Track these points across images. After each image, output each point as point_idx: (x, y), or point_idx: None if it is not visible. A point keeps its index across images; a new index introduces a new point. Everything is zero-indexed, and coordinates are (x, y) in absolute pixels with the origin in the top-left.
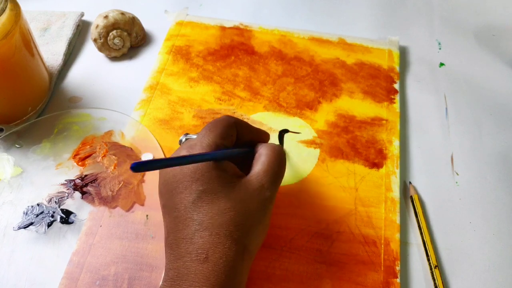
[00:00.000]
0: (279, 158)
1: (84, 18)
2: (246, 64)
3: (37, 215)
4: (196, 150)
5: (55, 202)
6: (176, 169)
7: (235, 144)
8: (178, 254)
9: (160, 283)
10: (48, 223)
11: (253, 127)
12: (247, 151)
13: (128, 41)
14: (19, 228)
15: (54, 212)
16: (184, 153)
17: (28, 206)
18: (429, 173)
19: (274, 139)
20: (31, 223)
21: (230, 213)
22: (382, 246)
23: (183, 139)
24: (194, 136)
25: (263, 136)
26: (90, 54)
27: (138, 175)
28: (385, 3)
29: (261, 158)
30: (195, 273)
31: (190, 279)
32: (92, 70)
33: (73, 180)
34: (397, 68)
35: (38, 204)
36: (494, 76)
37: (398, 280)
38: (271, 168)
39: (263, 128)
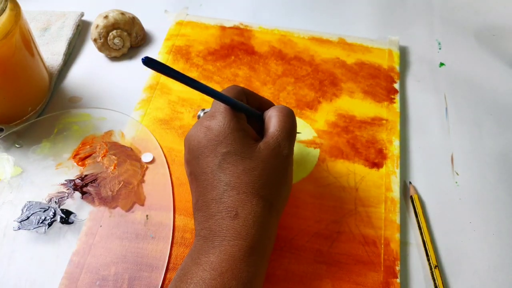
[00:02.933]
0: (289, 117)
1: (84, 18)
2: (246, 64)
3: (35, 212)
4: (218, 115)
5: (55, 202)
6: (200, 135)
7: None
8: (209, 214)
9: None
10: (48, 223)
11: (258, 95)
12: (259, 114)
13: (128, 41)
14: (16, 222)
15: (54, 211)
16: (206, 123)
17: (26, 202)
18: (429, 173)
19: None
20: (28, 218)
21: (254, 172)
22: (382, 246)
23: (201, 114)
24: None
25: (269, 104)
26: (90, 54)
27: (138, 175)
28: (385, 3)
29: (272, 120)
30: (227, 229)
31: (222, 234)
32: (92, 70)
33: (73, 180)
34: (397, 68)
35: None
36: (494, 76)
37: (398, 280)
38: (284, 127)
39: None
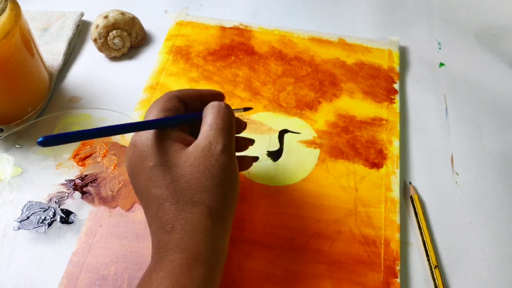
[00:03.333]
0: (222, 112)
1: (84, 18)
2: (246, 64)
3: (35, 212)
4: (141, 145)
5: (55, 202)
6: (130, 153)
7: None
8: (152, 232)
9: None
10: (48, 223)
11: (198, 91)
12: (193, 116)
13: (128, 41)
14: (16, 222)
15: (54, 211)
16: (133, 139)
17: (26, 202)
18: (429, 173)
19: (274, 139)
20: (28, 217)
21: (183, 178)
22: (382, 246)
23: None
24: None
25: (216, 98)
26: (90, 54)
27: None
28: (385, 3)
29: (205, 119)
30: (166, 244)
31: (162, 250)
32: (92, 70)
33: (73, 180)
34: (397, 68)
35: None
36: (494, 76)
37: (398, 280)
38: (216, 123)
39: (263, 128)
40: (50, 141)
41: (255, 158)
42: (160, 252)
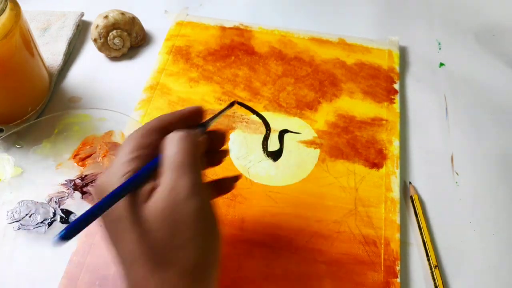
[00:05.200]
0: (180, 146)
1: (84, 18)
2: (246, 64)
3: (35, 212)
4: (108, 189)
5: (55, 202)
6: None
7: None
8: None
9: None
10: (48, 223)
11: (183, 112)
12: (156, 161)
13: (128, 41)
14: (16, 222)
15: (54, 211)
16: (95, 199)
17: (26, 202)
18: (429, 173)
19: (274, 139)
20: (17, 220)
21: (148, 236)
22: (382, 246)
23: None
24: None
25: (197, 116)
26: (90, 54)
27: None
28: (385, 3)
29: (163, 161)
30: None
31: None
32: (92, 70)
33: (73, 180)
34: (397, 68)
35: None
36: (494, 76)
37: (398, 280)
38: (174, 162)
39: (262, 128)
40: (69, 234)
41: (236, 178)
42: None
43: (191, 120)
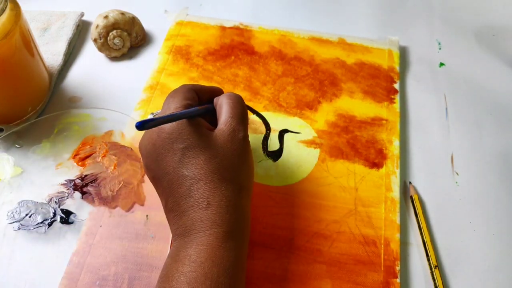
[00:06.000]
0: (239, 102)
1: (84, 18)
2: (246, 64)
3: (35, 212)
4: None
5: (55, 202)
6: (154, 137)
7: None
8: (181, 211)
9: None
10: (48, 223)
11: (208, 86)
12: (210, 107)
13: (128, 41)
14: (16, 222)
15: (54, 211)
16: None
17: (26, 201)
18: (429, 173)
19: (274, 139)
20: (17, 221)
21: (216, 159)
22: (382, 246)
23: (152, 117)
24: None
25: (219, 91)
26: (90, 54)
27: (138, 175)
28: (385, 3)
29: (224, 108)
30: (201, 220)
31: (197, 226)
32: (92, 70)
33: (73, 180)
34: (397, 68)
35: (34, 202)
36: (494, 76)
37: (398, 280)
38: (234, 112)
39: (262, 128)
40: (146, 125)
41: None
42: (194, 228)
43: (215, 95)
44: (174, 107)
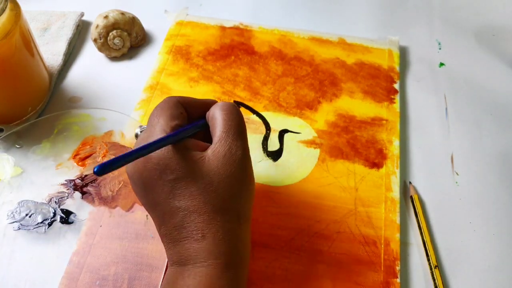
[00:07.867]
0: (232, 112)
1: (84, 18)
2: (246, 64)
3: (35, 212)
4: (153, 139)
5: (55, 202)
6: (140, 167)
7: (188, 122)
8: (174, 240)
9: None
10: (48, 223)
11: (198, 99)
12: (202, 123)
13: (128, 41)
14: (16, 222)
15: (54, 211)
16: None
17: (26, 202)
18: (429, 173)
19: (274, 139)
20: (17, 221)
21: (210, 188)
22: (382, 246)
23: (139, 132)
24: None
25: (211, 105)
26: (90, 54)
27: None
28: (385, 3)
29: (216, 122)
30: (197, 252)
31: (193, 257)
32: (92, 70)
33: (73, 180)
34: (397, 68)
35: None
36: (494, 76)
37: (398, 280)
38: (229, 125)
39: (262, 128)
40: (106, 169)
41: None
42: (191, 259)
43: (207, 109)
44: (159, 130)
